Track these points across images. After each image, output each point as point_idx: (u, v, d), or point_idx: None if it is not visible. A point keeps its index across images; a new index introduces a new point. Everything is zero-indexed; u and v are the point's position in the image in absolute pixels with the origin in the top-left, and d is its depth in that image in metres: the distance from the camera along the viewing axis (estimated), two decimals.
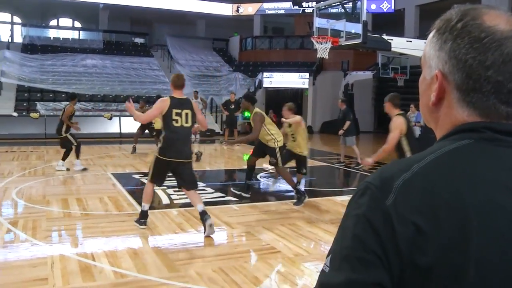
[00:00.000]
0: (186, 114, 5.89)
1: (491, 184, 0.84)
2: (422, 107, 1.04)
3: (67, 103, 10.88)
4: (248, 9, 29.92)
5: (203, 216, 5.81)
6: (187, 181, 6.02)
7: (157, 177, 6.10)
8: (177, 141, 5.89)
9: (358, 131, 23.83)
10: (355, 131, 13.77)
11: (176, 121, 5.83)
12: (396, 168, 0.90)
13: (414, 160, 0.90)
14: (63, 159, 10.57)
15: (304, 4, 27.78)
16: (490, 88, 0.89)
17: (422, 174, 0.86)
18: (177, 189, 8.24)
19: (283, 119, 8.19)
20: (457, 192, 0.83)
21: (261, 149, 8.09)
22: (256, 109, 7.95)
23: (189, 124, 5.93)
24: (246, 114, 22.43)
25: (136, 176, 10.21)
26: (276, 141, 7.79)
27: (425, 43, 1.03)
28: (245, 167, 8.73)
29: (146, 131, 13.97)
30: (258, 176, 10.62)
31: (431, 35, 1.00)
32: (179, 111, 5.85)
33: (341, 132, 12.70)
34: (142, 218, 6.17)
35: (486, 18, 0.92)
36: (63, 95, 20.34)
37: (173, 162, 5.88)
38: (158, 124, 13.16)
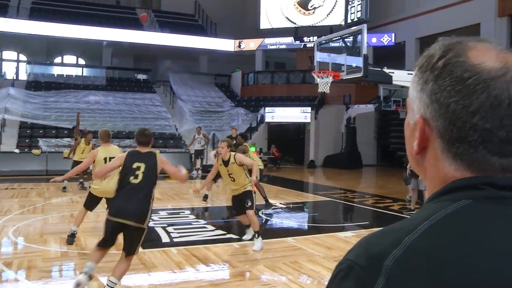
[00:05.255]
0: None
1: (506, 257, 0.69)
2: (408, 156, 0.89)
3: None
4: (250, 45, 30.19)
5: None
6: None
7: None
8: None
9: (360, 164, 23.79)
10: None
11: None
12: (384, 241, 0.74)
13: (404, 230, 0.73)
14: None
15: (305, 38, 28.04)
16: (477, 137, 0.75)
17: (417, 250, 0.70)
18: (176, 227, 8.12)
19: None
20: (468, 272, 0.67)
21: None
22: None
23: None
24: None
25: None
26: None
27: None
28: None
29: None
30: (260, 213, 10.47)
31: (413, 73, 0.86)
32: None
33: None
34: None
35: (472, 54, 0.78)
36: (65, 132, 20.35)
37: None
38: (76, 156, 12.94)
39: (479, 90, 0.75)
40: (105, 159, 6.91)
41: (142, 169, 4.92)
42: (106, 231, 4.92)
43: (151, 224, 8.84)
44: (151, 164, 4.98)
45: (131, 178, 4.87)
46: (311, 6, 28.14)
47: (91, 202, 7.36)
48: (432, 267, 0.68)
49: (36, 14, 27.40)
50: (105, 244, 5.00)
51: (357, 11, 16.76)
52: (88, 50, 31.17)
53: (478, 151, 0.76)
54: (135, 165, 4.93)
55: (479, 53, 0.78)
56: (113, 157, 6.18)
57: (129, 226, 4.76)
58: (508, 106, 0.74)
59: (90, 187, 13.55)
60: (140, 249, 6.92)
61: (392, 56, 25.33)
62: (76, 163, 13.16)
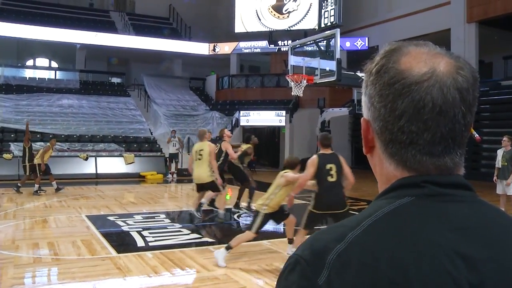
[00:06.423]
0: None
1: (438, 251, 0.73)
2: None
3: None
4: (225, 48, 30.18)
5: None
6: None
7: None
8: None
9: None
10: None
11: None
12: (329, 237, 0.78)
13: (349, 227, 0.78)
14: None
15: (279, 42, 28.16)
16: (405, 139, 0.81)
17: (359, 245, 0.74)
18: (152, 231, 8.08)
19: None
20: (400, 265, 0.71)
21: None
22: None
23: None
24: None
25: (111, 218, 9.98)
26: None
27: None
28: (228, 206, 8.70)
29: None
30: (235, 216, 10.50)
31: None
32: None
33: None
34: None
35: (404, 59, 0.82)
36: (38, 136, 20.04)
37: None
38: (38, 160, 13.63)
39: (404, 94, 0.79)
40: (196, 151, 9.22)
41: (334, 169, 6.15)
42: (312, 221, 6.61)
43: (126, 228, 8.81)
44: (338, 163, 6.22)
45: (328, 177, 6.14)
46: (285, 10, 28.29)
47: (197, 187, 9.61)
48: (366, 260, 0.72)
49: (5, 15, 26.85)
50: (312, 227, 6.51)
51: (330, 16, 16.92)
52: (61, 53, 30.74)
53: (408, 151, 0.81)
54: (328, 167, 6.14)
55: (410, 59, 0.82)
56: (201, 149, 9.12)
57: (337, 214, 6.25)
58: (432, 109, 0.79)
59: (39, 191, 13.44)
60: (115, 254, 6.91)
61: (366, 60, 25.52)
62: (39, 165, 13.35)
